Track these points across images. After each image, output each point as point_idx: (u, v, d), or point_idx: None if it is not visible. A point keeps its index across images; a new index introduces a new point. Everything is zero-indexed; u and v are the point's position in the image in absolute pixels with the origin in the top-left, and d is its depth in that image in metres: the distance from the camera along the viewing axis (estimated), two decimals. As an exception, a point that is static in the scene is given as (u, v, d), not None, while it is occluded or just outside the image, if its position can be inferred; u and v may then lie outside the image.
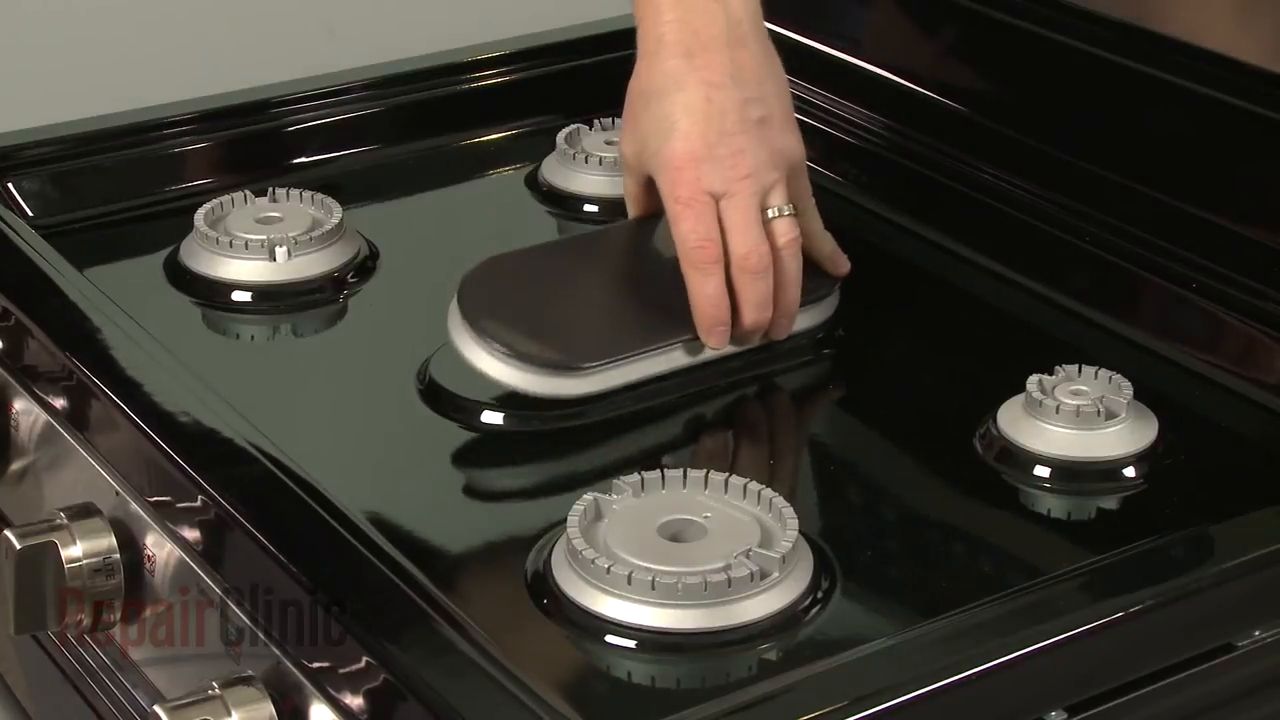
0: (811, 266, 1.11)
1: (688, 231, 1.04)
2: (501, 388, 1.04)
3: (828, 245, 1.12)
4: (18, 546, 0.97)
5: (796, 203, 1.08)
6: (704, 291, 1.04)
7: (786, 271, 1.06)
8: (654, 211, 1.10)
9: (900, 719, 0.78)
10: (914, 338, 1.15)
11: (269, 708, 0.86)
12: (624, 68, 1.44)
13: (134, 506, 0.97)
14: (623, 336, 1.06)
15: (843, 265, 1.12)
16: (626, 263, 1.12)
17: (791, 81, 1.36)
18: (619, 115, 1.34)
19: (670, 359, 1.07)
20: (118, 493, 0.99)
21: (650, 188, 1.09)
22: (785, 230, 1.06)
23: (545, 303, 1.08)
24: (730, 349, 1.07)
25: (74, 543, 0.98)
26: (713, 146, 1.04)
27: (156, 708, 0.86)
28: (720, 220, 1.04)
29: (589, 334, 1.06)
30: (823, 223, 1.12)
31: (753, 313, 1.05)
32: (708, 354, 1.07)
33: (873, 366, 1.12)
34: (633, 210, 1.13)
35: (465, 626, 0.83)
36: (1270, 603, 0.87)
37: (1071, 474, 0.99)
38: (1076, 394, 1.00)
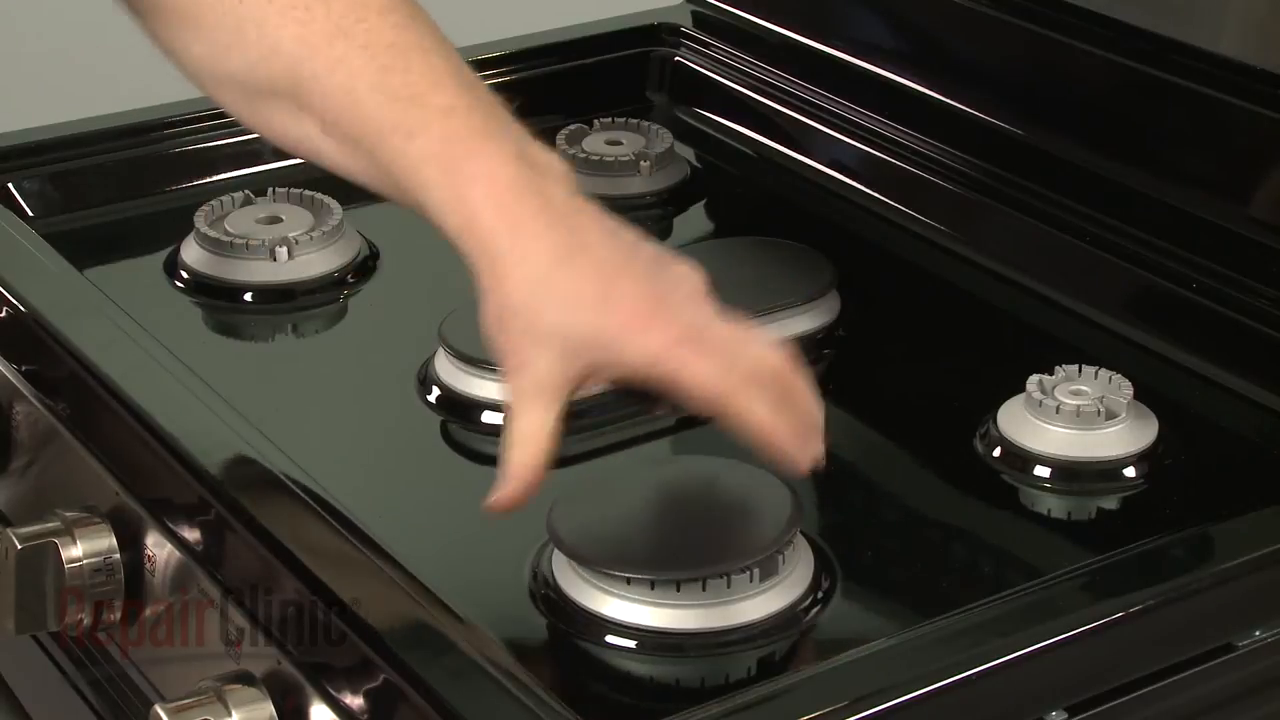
0: (805, 271, 1.11)
1: (704, 372, 0.85)
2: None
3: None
4: (18, 546, 0.97)
5: None
6: (761, 414, 0.86)
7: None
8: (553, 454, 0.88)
9: (900, 719, 0.78)
10: (914, 338, 1.15)
11: (269, 708, 0.86)
12: (624, 68, 1.44)
13: (134, 506, 0.97)
14: None
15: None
16: None
17: (793, 82, 1.36)
18: (619, 115, 1.35)
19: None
20: (118, 493, 0.99)
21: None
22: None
23: None
24: None
25: (74, 543, 0.98)
26: (653, 290, 0.87)
27: (156, 708, 0.86)
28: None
29: None
30: None
31: (812, 403, 0.89)
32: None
33: (873, 366, 1.12)
34: (533, 461, 0.86)
35: (465, 626, 0.83)
36: (1270, 603, 0.87)
37: (1071, 474, 0.99)
38: (1076, 394, 1.00)
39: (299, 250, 1.18)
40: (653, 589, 0.87)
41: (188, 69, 0.98)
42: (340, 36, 0.91)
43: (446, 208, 0.88)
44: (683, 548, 0.89)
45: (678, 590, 0.87)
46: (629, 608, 0.87)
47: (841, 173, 1.29)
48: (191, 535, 0.93)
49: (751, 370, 0.87)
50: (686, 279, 0.90)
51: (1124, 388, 1.01)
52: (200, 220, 1.20)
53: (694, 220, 1.30)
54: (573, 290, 0.86)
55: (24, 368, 1.08)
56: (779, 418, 0.86)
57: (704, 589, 0.86)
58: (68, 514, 0.99)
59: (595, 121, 1.34)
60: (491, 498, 0.87)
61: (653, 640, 0.87)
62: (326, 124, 0.92)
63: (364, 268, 1.20)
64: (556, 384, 0.86)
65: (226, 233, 1.19)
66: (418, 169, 0.89)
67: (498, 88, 0.93)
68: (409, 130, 0.89)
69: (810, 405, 0.89)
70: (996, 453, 1.00)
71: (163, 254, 1.21)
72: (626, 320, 0.86)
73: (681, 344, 0.86)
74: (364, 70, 0.91)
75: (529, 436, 0.86)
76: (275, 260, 1.17)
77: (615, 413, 1.03)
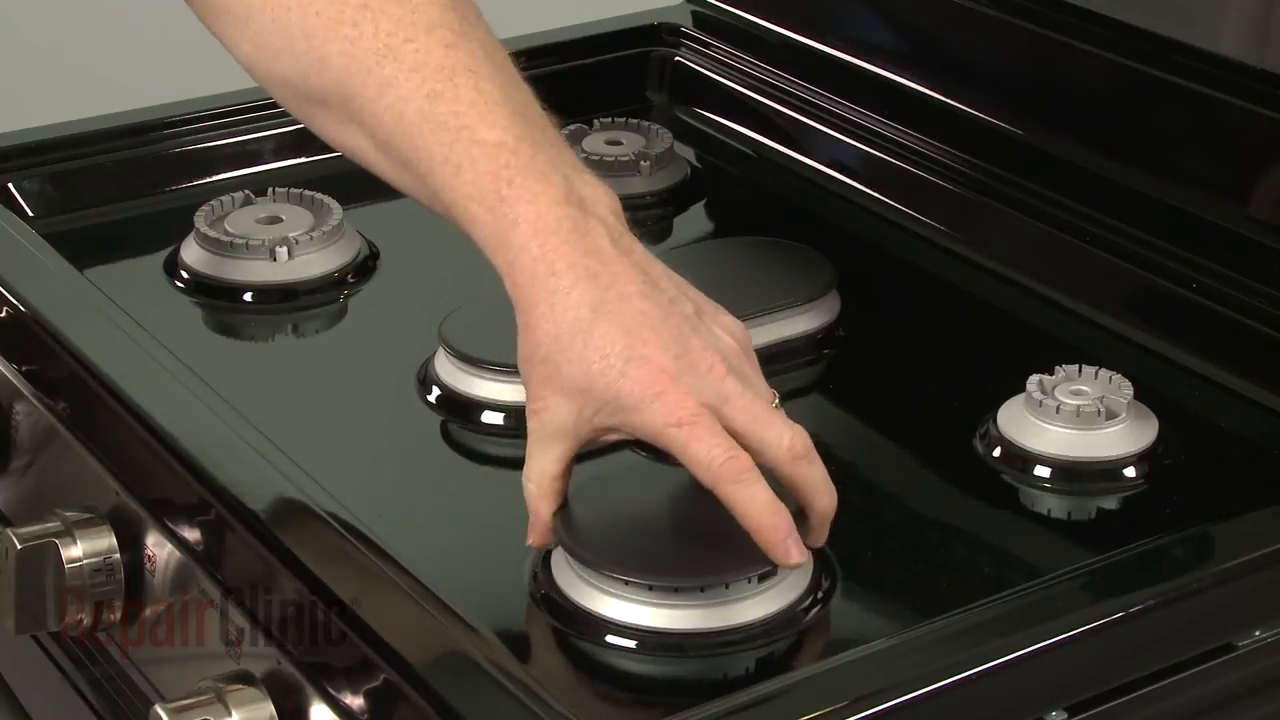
0: (805, 271, 1.11)
1: (707, 450, 0.85)
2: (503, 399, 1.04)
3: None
4: (18, 546, 0.97)
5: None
6: (758, 503, 0.85)
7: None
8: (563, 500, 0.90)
9: (900, 719, 0.78)
10: (914, 338, 1.15)
11: (269, 708, 0.86)
12: (624, 68, 1.43)
13: (134, 506, 0.97)
14: None
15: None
16: None
17: (793, 82, 1.36)
18: (619, 115, 1.35)
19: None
20: (118, 493, 0.99)
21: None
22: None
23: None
24: None
25: (74, 543, 0.98)
26: (679, 357, 0.87)
27: (156, 708, 0.86)
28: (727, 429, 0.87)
29: None
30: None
31: (827, 496, 0.88)
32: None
33: (873, 366, 1.12)
34: (545, 505, 0.89)
35: (465, 626, 0.83)
36: (1270, 603, 0.87)
37: (1071, 474, 0.99)
38: (1076, 394, 1.00)
39: (299, 250, 1.18)
40: (651, 591, 0.87)
41: (240, 64, 0.98)
42: (389, 57, 0.91)
43: (490, 245, 0.89)
44: (684, 550, 0.89)
45: (676, 591, 0.86)
46: (628, 608, 0.87)
47: (841, 173, 1.29)
48: (191, 535, 0.93)
49: (762, 455, 0.87)
50: (723, 339, 0.90)
51: (1124, 388, 1.01)
52: (200, 220, 1.20)
53: (694, 220, 1.30)
54: (597, 349, 0.86)
55: (24, 368, 1.08)
56: (776, 509, 0.85)
57: (703, 590, 0.86)
58: (68, 514, 0.99)
59: (595, 121, 1.34)
60: (528, 539, 0.90)
61: (652, 640, 0.87)
62: (378, 141, 0.93)
63: (364, 268, 1.20)
64: (569, 434, 0.88)
65: (226, 233, 1.19)
66: (465, 204, 0.89)
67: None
68: (457, 164, 0.89)
69: (822, 498, 0.89)
70: (996, 453, 1.00)
71: (163, 254, 1.21)
72: (644, 387, 0.86)
73: (695, 417, 0.86)
74: (413, 96, 0.91)
75: (541, 482, 0.89)
76: (275, 260, 1.17)
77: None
